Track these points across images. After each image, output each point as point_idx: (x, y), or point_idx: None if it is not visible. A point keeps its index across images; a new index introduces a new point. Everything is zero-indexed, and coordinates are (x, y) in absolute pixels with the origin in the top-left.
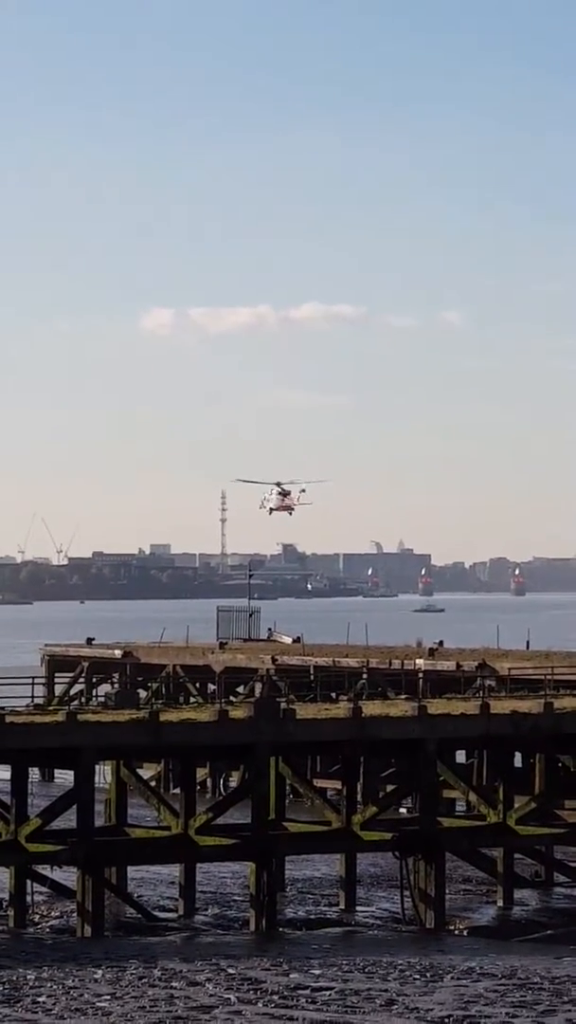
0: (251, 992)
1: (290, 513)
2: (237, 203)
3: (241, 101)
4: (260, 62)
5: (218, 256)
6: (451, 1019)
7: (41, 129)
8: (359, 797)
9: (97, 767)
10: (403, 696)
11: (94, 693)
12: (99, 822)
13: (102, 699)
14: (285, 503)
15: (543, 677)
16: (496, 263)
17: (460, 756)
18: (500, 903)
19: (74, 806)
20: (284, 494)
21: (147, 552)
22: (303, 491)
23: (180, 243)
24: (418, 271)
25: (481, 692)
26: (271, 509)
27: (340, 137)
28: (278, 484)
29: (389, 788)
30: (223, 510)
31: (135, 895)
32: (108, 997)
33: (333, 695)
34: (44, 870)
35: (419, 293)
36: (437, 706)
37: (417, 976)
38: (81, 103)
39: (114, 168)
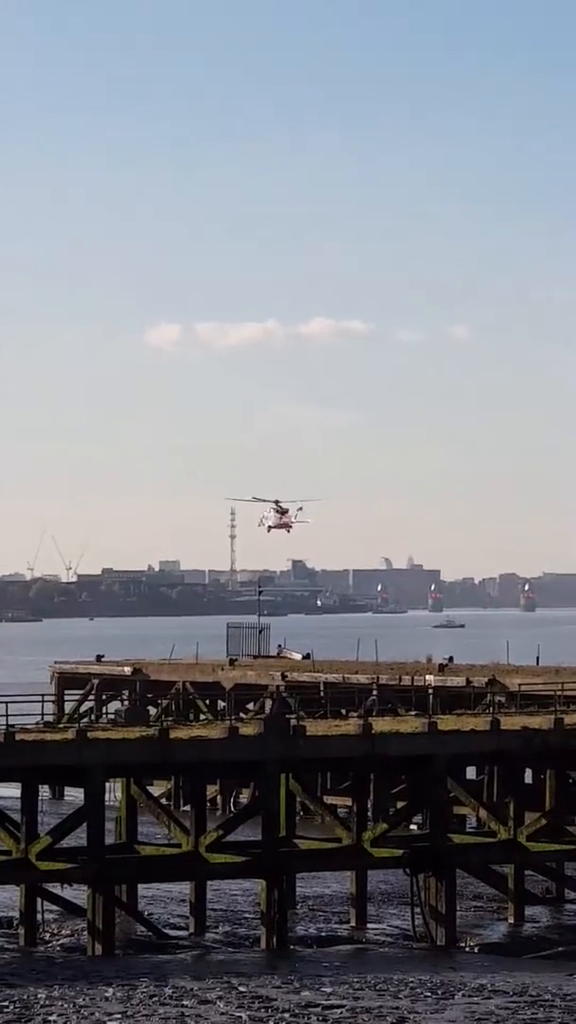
0: (262, 1010)
1: (288, 531)
2: (245, 217)
3: (250, 115)
4: (270, 76)
5: (225, 271)
6: None
7: (48, 141)
8: (369, 814)
9: (107, 785)
10: (413, 712)
11: (104, 710)
12: (109, 840)
13: (112, 716)
14: (283, 521)
15: (553, 693)
16: (504, 277)
17: (471, 772)
18: (511, 920)
19: (84, 824)
20: (282, 512)
21: (156, 569)
22: (300, 509)
23: (187, 258)
24: (426, 286)
25: (491, 708)
26: (269, 527)
27: (350, 152)
28: (276, 503)
29: (399, 805)
30: (232, 527)
31: (146, 913)
32: (119, 1016)
33: (343, 711)
34: (55, 888)
35: (427, 308)
36: (447, 722)
37: (428, 993)
38: (91, 115)
39: (122, 182)
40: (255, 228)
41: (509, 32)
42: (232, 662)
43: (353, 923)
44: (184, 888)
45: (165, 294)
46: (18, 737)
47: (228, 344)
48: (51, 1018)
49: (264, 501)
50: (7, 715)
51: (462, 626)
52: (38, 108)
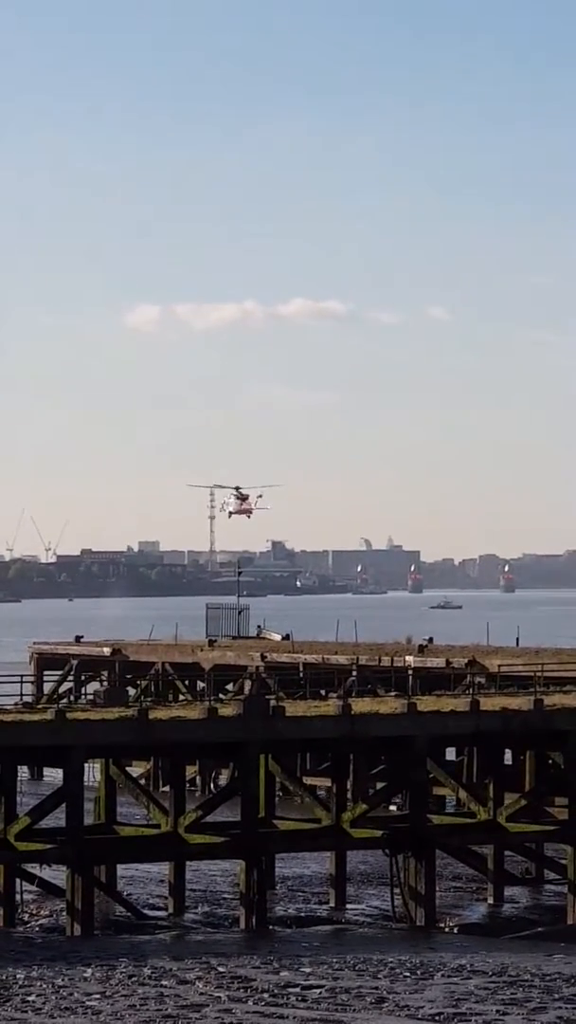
0: (241, 990)
1: (248, 516)
2: (223, 198)
3: (227, 97)
4: (249, 58)
5: (204, 251)
6: (441, 1017)
7: (26, 125)
8: (349, 795)
9: (86, 765)
10: (393, 693)
11: (83, 691)
12: (88, 820)
13: (91, 697)
14: (244, 507)
15: (533, 674)
16: (481, 260)
17: (450, 753)
18: (490, 900)
19: (63, 804)
20: (242, 498)
21: (136, 550)
22: (260, 496)
23: (165, 238)
24: (404, 268)
25: (471, 689)
26: (230, 513)
27: (327, 133)
28: (237, 489)
29: (379, 786)
30: (212, 507)
31: (125, 893)
32: (98, 996)
33: (323, 692)
34: (33, 868)
35: (405, 290)
36: (427, 703)
37: (407, 974)
38: (68, 99)
39: (99, 164)
40: (234, 209)
41: (480, 15)
42: (211, 643)
43: (332, 904)
44: (163, 869)
45: (143, 275)
46: None
47: (207, 325)
48: (30, 998)
49: (225, 488)
50: None
51: (459, 607)
52: (13, 87)
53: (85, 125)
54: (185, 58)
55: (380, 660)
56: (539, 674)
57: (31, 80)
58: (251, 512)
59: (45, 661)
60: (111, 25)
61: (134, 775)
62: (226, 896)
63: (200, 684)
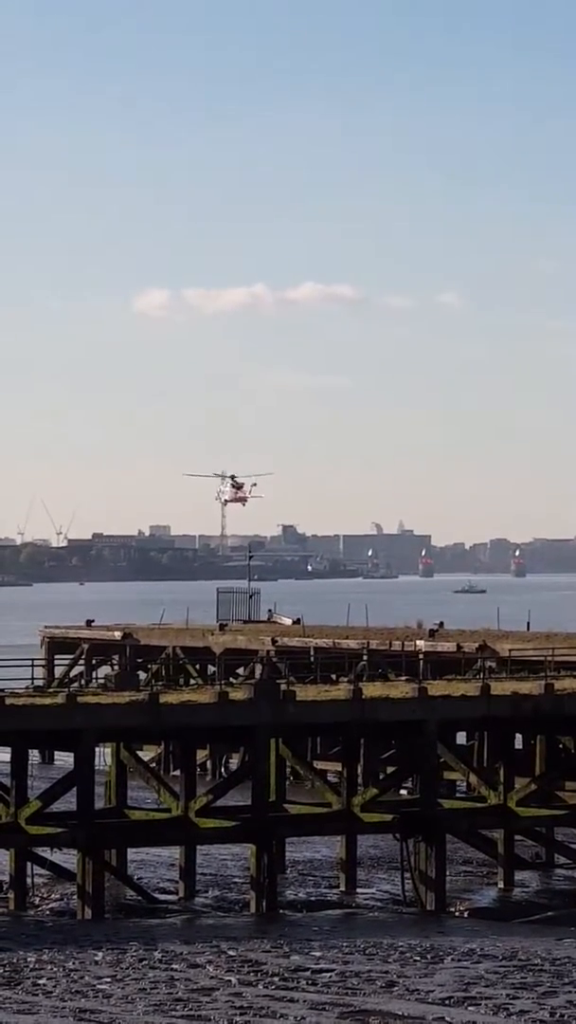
0: (252, 974)
1: (243, 504)
2: (233, 182)
3: (238, 80)
4: (258, 41)
5: (213, 236)
6: (452, 1001)
7: (36, 109)
8: (359, 779)
9: (97, 749)
10: (403, 678)
11: (94, 675)
12: (99, 804)
13: (102, 681)
14: (239, 495)
15: (544, 658)
16: (493, 245)
17: (461, 738)
18: (501, 885)
19: (74, 788)
20: (237, 487)
21: (147, 534)
22: (255, 485)
23: (175, 223)
24: (415, 253)
25: (482, 673)
26: (226, 501)
27: (338, 117)
28: (232, 477)
29: (390, 770)
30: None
31: (135, 877)
32: (109, 979)
33: (333, 677)
34: (44, 852)
35: (416, 274)
36: (437, 687)
37: (418, 958)
38: (78, 82)
39: (108, 147)
40: (244, 192)
41: (500, 2)
42: (222, 627)
43: (343, 888)
44: (174, 852)
45: (152, 259)
46: (8, 701)
47: (216, 309)
48: (41, 981)
49: (222, 476)
50: None
51: (483, 591)
52: (24, 75)
53: (94, 109)
54: (194, 41)
55: (391, 644)
56: (550, 658)
57: (38, 64)
58: (246, 500)
59: (56, 645)
60: (124, 7)
61: (145, 759)
62: (236, 880)
63: (211, 668)
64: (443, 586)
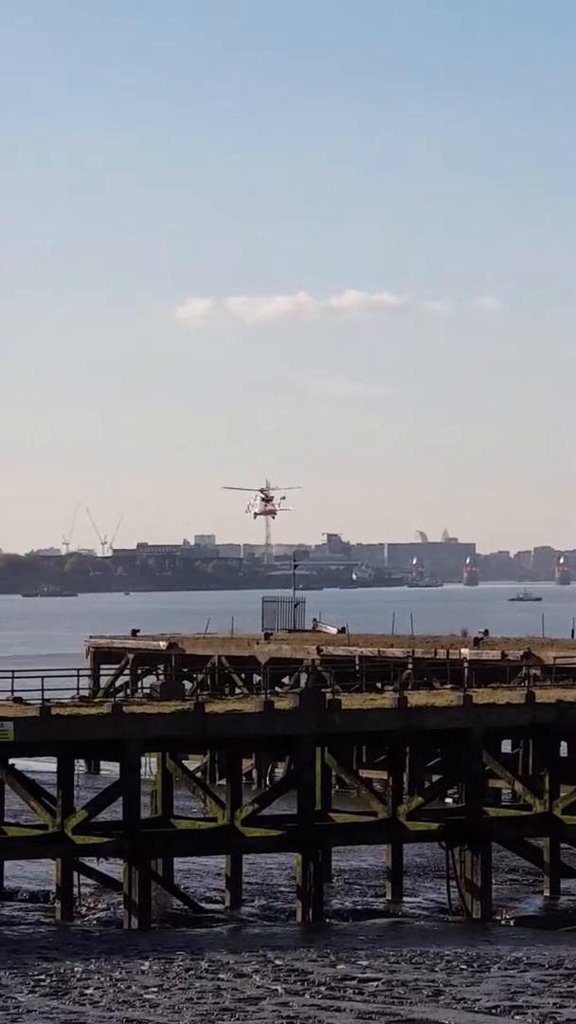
0: (298, 983)
1: (273, 517)
2: (275, 190)
3: (280, 87)
4: (297, 42)
5: (256, 244)
6: (498, 1009)
7: (77, 113)
8: (405, 787)
9: (143, 759)
10: (448, 686)
11: (139, 685)
12: (145, 814)
13: (147, 691)
14: (268, 508)
15: None
16: (533, 249)
17: (506, 746)
18: (547, 893)
19: (120, 798)
20: (267, 499)
21: (192, 543)
22: (283, 498)
23: (217, 231)
24: (456, 258)
25: (527, 681)
26: (255, 513)
27: (379, 123)
28: (261, 491)
29: (435, 778)
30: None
31: (181, 887)
32: (155, 989)
33: (378, 685)
34: (91, 862)
35: (457, 280)
36: (482, 695)
37: (464, 966)
38: (120, 90)
39: (151, 156)
40: (286, 201)
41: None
42: (267, 636)
43: (389, 896)
44: (220, 862)
45: (195, 268)
46: (54, 712)
47: (259, 318)
48: (87, 991)
49: (251, 490)
50: (43, 689)
51: (539, 599)
52: (64, 78)
53: (141, 114)
54: (236, 45)
55: (436, 653)
56: None
57: (87, 66)
58: (275, 513)
59: (101, 655)
60: (172, 4)
61: (190, 768)
62: (283, 889)
63: (256, 677)
64: (488, 595)
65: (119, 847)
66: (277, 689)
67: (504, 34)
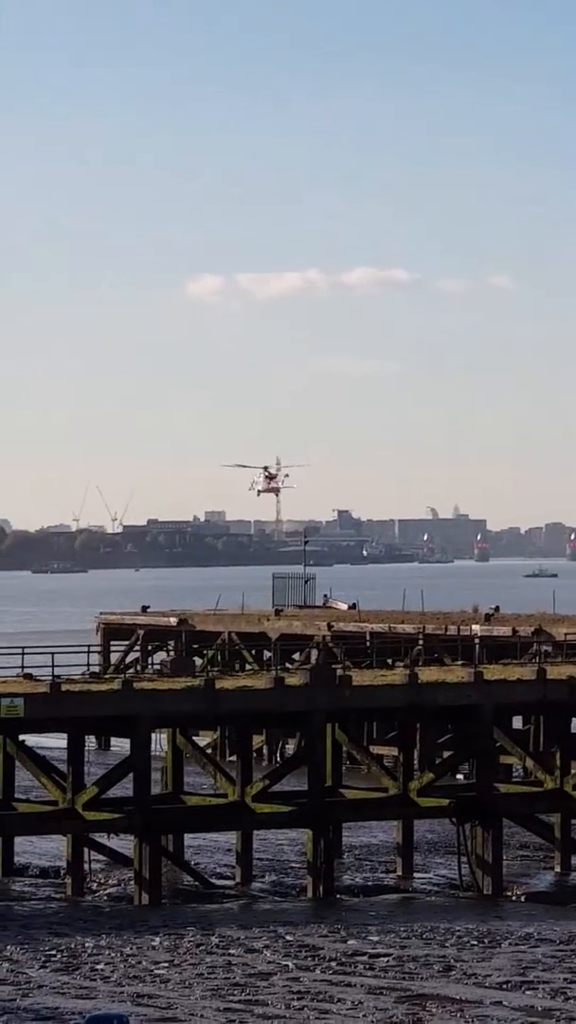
0: (309, 959)
1: (276, 494)
2: (286, 166)
3: (291, 66)
4: (307, 21)
5: (267, 221)
6: (509, 985)
7: (86, 94)
8: (416, 763)
9: (153, 735)
10: (459, 662)
11: (149, 661)
12: (156, 790)
13: (158, 667)
14: (272, 485)
15: None
16: (546, 227)
17: (517, 722)
18: (558, 869)
19: (130, 774)
20: (271, 477)
21: (202, 519)
22: (287, 476)
23: (228, 208)
24: (469, 236)
25: (537, 658)
26: (259, 491)
27: (391, 100)
28: (265, 468)
29: (446, 754)
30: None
31: (192, 863)
32: (166, 964)
33: (389, 661)
34: (101, 838)
35: (469, 258)
36: (493, 672)
37: (475, 942)
38: (130, 68)
39: (162, 133)
40: (297, 177)
41: None
42: (278, 612)
43: (399, 872)
44: (231, 838)
45: (206, 244)
46: (64, 688)
47: (270, 294)
48: (99, 967)
49: (253, 468)
50: (53, 666)
51: (555, 575)
52: (74, 58)
53: (153, 93)
54: (248, 25)
55: (447, 629)
56: None
57: (94, 39)
58: (279, 490)
59: (112, 631)
60: None
61: (201, 745)
62: (293, 865)
63: (267, 654)
64: (501, 571)
65: (129, 823)
66: (287, 665)
67: (532, 15)
